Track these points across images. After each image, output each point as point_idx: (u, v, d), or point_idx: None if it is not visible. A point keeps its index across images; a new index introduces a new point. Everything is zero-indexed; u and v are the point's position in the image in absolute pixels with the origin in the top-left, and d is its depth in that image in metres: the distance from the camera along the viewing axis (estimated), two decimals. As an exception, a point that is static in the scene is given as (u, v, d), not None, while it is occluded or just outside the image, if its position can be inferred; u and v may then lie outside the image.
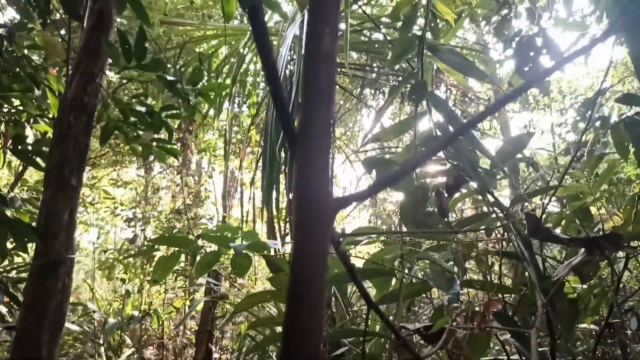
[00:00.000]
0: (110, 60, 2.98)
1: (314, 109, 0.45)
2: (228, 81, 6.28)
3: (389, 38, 5.78)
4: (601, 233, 2.23)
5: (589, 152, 2.17)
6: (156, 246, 2.88)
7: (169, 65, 5.64)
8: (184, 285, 6.81)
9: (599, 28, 3.19)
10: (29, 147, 3.14)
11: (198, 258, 1.70)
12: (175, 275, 6.23)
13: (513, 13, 3.11)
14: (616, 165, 2.18)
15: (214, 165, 7.76)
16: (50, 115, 3.41)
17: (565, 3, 2.98)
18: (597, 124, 2.22)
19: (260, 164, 5.41)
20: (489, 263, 1.61)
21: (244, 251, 1.59)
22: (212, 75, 6.16)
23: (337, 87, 6.61)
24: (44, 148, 3.12)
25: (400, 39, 1.03)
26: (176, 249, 1.61)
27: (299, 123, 0.47)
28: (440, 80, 5.48)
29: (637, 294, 3.07)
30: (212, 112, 6.23)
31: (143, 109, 2.94)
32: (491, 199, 1.44)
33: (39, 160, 3.21)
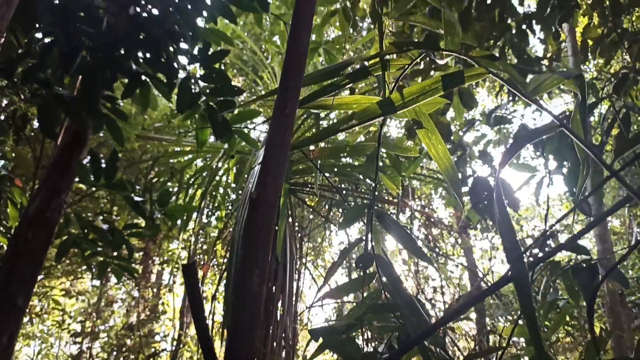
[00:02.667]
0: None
1: (235, 346, 0.47)
2: (199, 192, 6.35)
3: (356, 163, 6.09)
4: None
5: (543, 295, 2.23)
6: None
7: (140, 177, 5.71)
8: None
9: (545, 171, 3.45)
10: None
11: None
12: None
13: (468, 154, 3.37)
14: (568, 310, 2.24)
15: (176, 276, 7.51)
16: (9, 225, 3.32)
17: (515, 144, 3.26)
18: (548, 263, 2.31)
19: (225, 276, 5.27)
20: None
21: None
22: (184, 186, 6.24)
23: (305, 205, 6.75)
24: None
25: (352, 207, 1.11)
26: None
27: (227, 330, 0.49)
28: (405, 204, 5.69)
29: None
30: (179, 221, 6.18)
31: (105, 226, 2.91)
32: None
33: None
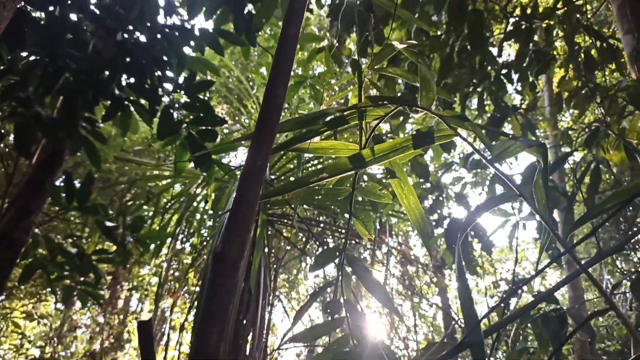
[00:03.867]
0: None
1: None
2: (175, 217, 6.25)
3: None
4: None
5: (513, 342, 2.23)
6: None
7: (115, 199, 5.60)
8: None
9: (518, 216, 3.50)
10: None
11: None
12: None
13: (445, 195, 3.41)
14: (538, 358, 2.24)
15: (144, 303, 7.29)
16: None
17: (490, 191, 3.32)
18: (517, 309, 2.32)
19: (195, 306, 5.14)
20: None
21: None
22: (160, 211, 6.13)
23: (282, 237, 6.70)
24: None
25: (323, 250, 1.11)
26: None
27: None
28: (382, 241, 5.69)
29: None
30: (152, 246, 6.04)
31: (74, 250, 2.83)
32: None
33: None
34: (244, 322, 4.64)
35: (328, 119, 0.91)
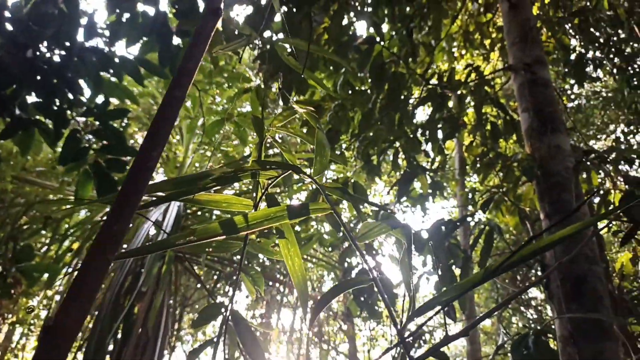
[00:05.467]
0: None
1: None
2: (76, 245, 5.79)
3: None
4: None
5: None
6: None
7: (8, 222, 5.10)
8: None
9: (424, 269, 3.64)
10: None
11: None
12: None
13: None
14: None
15: (29, 339, 6.55)
16: None
17: (398, 245, 3.44)
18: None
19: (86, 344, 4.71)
20: None
21: None
22: (58, 237, 5.67)
23: (192, 275, 6.44)
24: None
25: (207, 306, 1.08)
26: None
27: None
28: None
29: None
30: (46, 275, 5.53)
31: (-57, 279, 2.51)
32: None
33: None
34: (138, 366, 4.31)
35: (213, 177, 0.90)
